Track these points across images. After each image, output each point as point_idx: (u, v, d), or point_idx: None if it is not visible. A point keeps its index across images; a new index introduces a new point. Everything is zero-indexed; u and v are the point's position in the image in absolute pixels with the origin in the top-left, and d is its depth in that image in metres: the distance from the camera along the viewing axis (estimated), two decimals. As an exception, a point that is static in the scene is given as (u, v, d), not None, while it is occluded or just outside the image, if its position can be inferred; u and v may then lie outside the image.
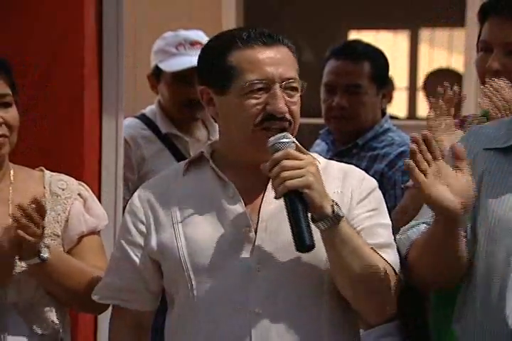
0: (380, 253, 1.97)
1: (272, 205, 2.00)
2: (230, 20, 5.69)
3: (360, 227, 1.99)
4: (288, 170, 1.86)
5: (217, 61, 2.01)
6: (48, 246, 2.20)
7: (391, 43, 6.65)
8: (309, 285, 1.98)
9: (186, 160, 2.10)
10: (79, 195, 2.35)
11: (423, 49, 6.60)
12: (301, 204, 1.87)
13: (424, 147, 1.92)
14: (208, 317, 1.98)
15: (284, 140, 1.92)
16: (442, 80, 4.82)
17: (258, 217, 2.00)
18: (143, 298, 2.11)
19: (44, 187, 2.33)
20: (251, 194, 2.02)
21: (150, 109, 3.38)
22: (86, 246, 2.33)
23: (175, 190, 2.06)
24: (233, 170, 2.03)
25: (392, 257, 1.99)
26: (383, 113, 3.19)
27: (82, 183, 2.40)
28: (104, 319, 2.87)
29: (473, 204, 1.94)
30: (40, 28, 2.87)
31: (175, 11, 5.42)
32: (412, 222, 2.13)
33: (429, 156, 1.91)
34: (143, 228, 2.07)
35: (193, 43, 3.31)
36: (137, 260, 2.07)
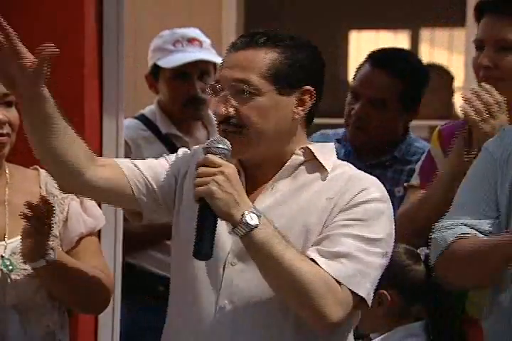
0: (328, 260, 1.92)
1: (265, 203, 2.01)
2: (230, 20, 5.69)
3: (326, 234, 1.96)
4: (198, 177, 1.90)
5: None
6: (53, 248, 2.19)
7: (391, 43, 6.64)
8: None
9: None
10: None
11: (423, 49, 6.59)
12: (210, 212, 1.90)
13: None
14: (183, 302, 2.03)
15: (218, 145, 1.94)
16: (437, 76, 4.84)
17: None
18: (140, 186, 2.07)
19: (40, 187, 2.32)
20: (250, 190, 2.03)
21: (149, 109, 3.37)
22: (85, 247, 2.32)
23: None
24: (249, 167, 2.06)
25: (343, 269, 1.93)
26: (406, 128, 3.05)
27: None
28: (104, 319, 2.87)
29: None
30: (40, 27, 2.86)
31: (175, 11, 5.42)
32: (448, 221, 2.11)
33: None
34: (182, 169, 2.09)
35: (191, 40, 3.30)
36: (160, 168, 2.08)
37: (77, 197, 2.34)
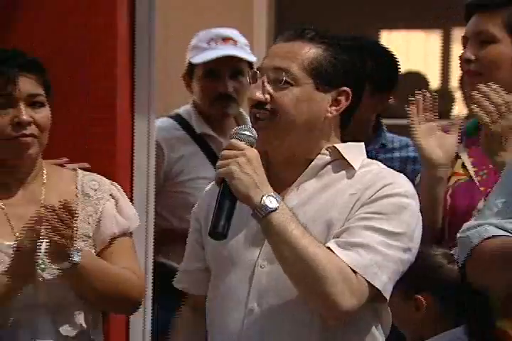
0: (344, 250, 1.92)
1: (292, 202, 2.01)
2: (261, 20, 5.69)
3: (346, 227, 1.96)
4: (221, 160, 1.93)
5: None
6: (78, 250, 2.19)
7: (423, 43, 6.61)
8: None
9: None
10: (111, 195, 2.35)
11: (456, 49, 6.54)
12: (230, 194, 1.91)
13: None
14: (217, 308, 2.05)
15: (245, 133, 1.96)
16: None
17: None
18: (194, 277, 2.15)
19: (76, 188, 2.33)
20: (283, 188, 2.04)
21: (185, 109, 3.37)
22: (117, 247, 2.33)
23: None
24: (274, 165, 2.07)
25: (359, 258, 1.92)
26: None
27: (115, 183, 2.39)
28: (136, 319, 2.89)
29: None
30: (74, 29, 2.89)
31: (206, 11, 5.42)
32: (474, 222, 2.11)
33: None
34: (200, 214, 2.14)
35: (225, 39, 3.29)
36: (193, 239, 2.15)
37: (112, 198, 2.36)
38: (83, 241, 2.28)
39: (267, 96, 1.99)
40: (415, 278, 2.31)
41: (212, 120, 3.32)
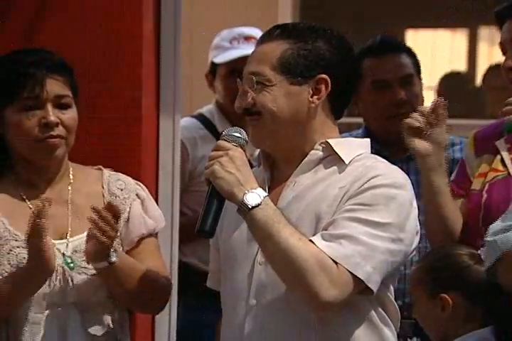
0: (326, 242, 1.93)
1: (289, 197, 2.04)
2: (286, 19, 5.69)
3: (332, 219, 1.98)
4: (208, 161, 1.98)
5: None
6: (115, 250, 2.21)
7: (449, 42, 6.59)
8: None
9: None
10: (137, 195, 2.36)
11: (482, 48, 6.52)
12: (217, 193, 1.97)
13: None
14: (225, 304, 2.11)
15: (235, 134, 2.01)
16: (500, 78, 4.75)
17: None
18: (218, 277, 2.18)
19: (103, 187, 2.35)
20: (281, 183, 2.08)
21: (208, 109, 3.38)
22: (145, 248, 2.34)
23: None
24: (277, 163, 2.12)
25: (342, 249, 1.93)
26: None
27: (140, 183, 2.40)
28: (161, 318, 2.89)
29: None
30: (99, 29, 2.90)
31: (231, 11, 5.43)
32: (502, 224, 2.09)
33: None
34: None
35: (248, 38, 3.29)
36: (213, 241, 2.19)
37: (138, 198, 2.37)
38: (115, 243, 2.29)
39: (251, 101, 2.06)
40: (441, 277, 2.30)
41: (235, 119, 3.31)
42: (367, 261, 1.93)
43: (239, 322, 2.04)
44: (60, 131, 2.27)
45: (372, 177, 1.99)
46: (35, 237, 2.12)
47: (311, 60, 2.04)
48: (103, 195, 2.34)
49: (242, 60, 3.20)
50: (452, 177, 2.61)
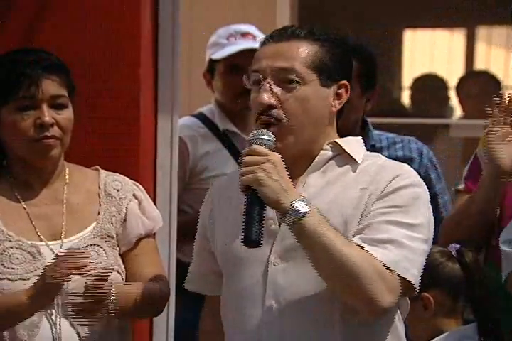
0: (374, 247, 1.92)
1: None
2: (284, 19, 5.69)
3: (367, 222, 1.96)
4: (244, 167, 1.91)
5: None
6: (114, 300, 2.20)
7: (447, 42, 6.59)
8: (324, 282, 1.97)
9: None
10: (133, 195, 2.35)
11: (480, 48, 6.52)
12: (257, 200, 1.90)
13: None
14: (232, 307, 2.05)
15: (263, 136, 1.95)
16: (477, 83, 4.74)
17: None
18: (208, 279, 2.17)
19: (99, 187, 2.34)
20: None
21: (208, 108, 3.37)
22: (143, 249, 2.34)
23: (234, 187, 2.08)
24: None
25: (389, 254, 1.93)
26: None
27: (137, 183, 2.39)
28: (159, 318, 2.89)
29: None
30: (98, 29, 2.89)
31: (230, 11, 5.43)
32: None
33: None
34: (207, 218, 2.14)
35: (244, 34, 3.28)
36: (202, 243, 2.16)
37: (135, 198, 2.36)
38: (106, 241, 2.29)
39: (275, 99, 1.99)
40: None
41: (235, 117, 3.31)
42: (412, 265, 1.95)
43: (254, 325, 2.00)
44: (55, 131, 2.26)
45: (394, 178, 1.99)
46: (52, 282, 2.12)
47: (336, 65, 2.03)
48: (99, 196, 2.33)
49: (241, 55, 3.22)
50: (465, 174, 2.61)
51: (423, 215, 1.99)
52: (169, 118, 2.97)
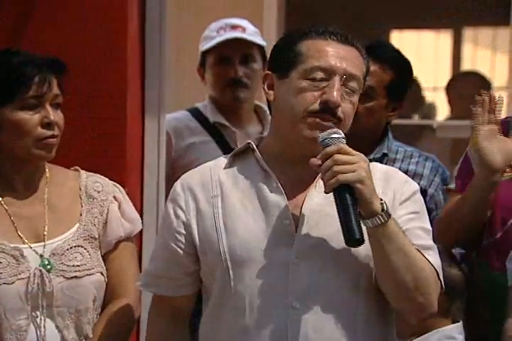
0: (425, 253, 1.98)
1: (314, 200, 2.00)
2: (271, 19, 5.69)
3: (405, 227, 1.99)
4: (340, 165, 1.87)
5: (287, 47, 2.02)
6: None
7: (434, 43, 6.61)
8: (346, 281, 1.98)
9: (232, 152, 2.10)
10: (114, 197, 2.34)
11: (466, 49, 6.54)
12: (351, 199, 1.87)
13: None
14: (246, 310, 1.99)
15: (335, 135, 1.93)
16: (467, 84, 4.75)
17: (300, 211, 1.99)
18: (179, 283, 2.11)
19: (80, 188, 2.33)
20: (295, 188, 2.02)
21: (202, 104, 3.37)
22: (122, 251, 2.33)
23: (218, 181, 2.06)
24: (279, 163, 2.03)
25: (435, 260, 2.00)
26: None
27: (117, 185, 2.37)
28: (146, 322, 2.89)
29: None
30: (85, 29, 2.89)
31: (217, 11, 5.43)
32: None
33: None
34: (183, 216, 2.07)
35: (234, 26, 3.27)
36: (175, 247, 2.07)
37: (116, 200, 2.35)
38: (89, 242, 2.28)
39: (340, 99, 1.98)
40: None
41: (226, 110, 3.29)
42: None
43: (277, 324, 1.96)
44: (56, 130, 2.25)
45: (405, 184, 2.05)
46: None
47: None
48: (80, 197, 2.32)
49: (230, 46, 3.21)
50: (456, 173, 2.62)
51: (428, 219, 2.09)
52: (156, 118, 2.97)
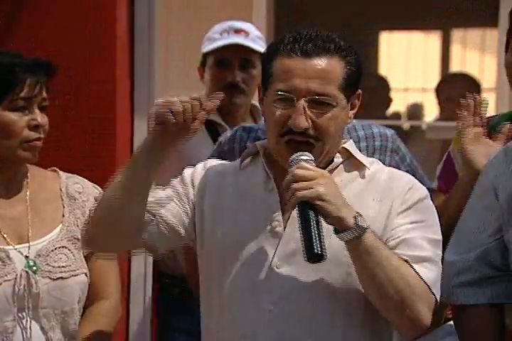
0: (416, 266, 1.92)
1: None
2: (260, 20, 5.70)
3: (401, 238, 1.95)
4: (299, 182, 1.85)
5: (264, 66, 2.00)
6: None
7: (422, 44, 6.63)
8: (324, 288, 1.96)
9: (242, 154, 2.11)
10: (95, 198, 2.30)
11: (455, 50, 6.56)
12: (314, 215, 1.84)
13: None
14: (230, 307, 2.00)
15: (303, 157, 1.91)
16: (457, 85, 4.75)
17: (290, 215, 1.98)
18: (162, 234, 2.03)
19: (60, 189, 2.31)
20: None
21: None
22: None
23: (230, 180, 2.07)
24: (278, 167, 2.03)
25: (429, 273, 1.93)
26: None
27: (96, 186, 2.36)
28: (136, 321, 2.88)
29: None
30: (73, 29, 2.89)
31: (207, 12, 5.43)
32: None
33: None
34: (191, 190, 2.06)
35: (237, 30, 3.26)
36: (178, 189, 2.05)
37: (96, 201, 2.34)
38: (73, 243, 2.27)
39: (310, 122, 1.93)
40: None
41: (222, 110, 3.28)
42: (439, 283, 1.96)
43: (252, 326, 1.96)
44: (42, 133, 2.24)
45: (408, 191, 1.99)
46: None
47: (356, 77, 1.98)
48: (61, 198, 2.30)
49: (231, 50, 3.20)
50: (438, 173, 2.62)
51: (439, 229, 2.00)
52: (145, 119, 2.96)
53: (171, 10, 5.17)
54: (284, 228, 1.98)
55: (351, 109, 2.01)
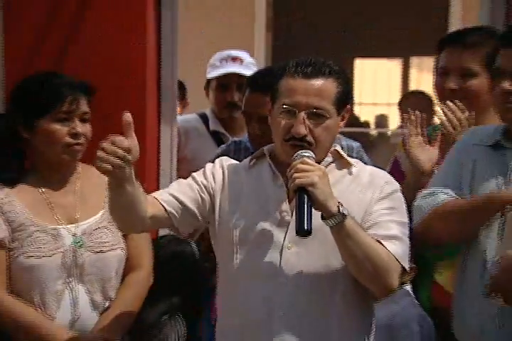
0: (387, 242, 1.96)
1: None
2: (260, 41, 5.69)
3: (377, 220, 1.99)
4: (299, 172, 1.90)
5: (276, 81, 2.04)
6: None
7: (387, 69, 6.65)
8: (327, 266, 1.99)
9: (250, 157, 2.12)
10: None
11: (413, 74, 6.59)
12: (307, 199, 1.88)
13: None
14: (243, 285, 2.00)
15: (305, 154, 1.96)
16: (415, 101, 4.78)
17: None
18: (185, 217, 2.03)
19: (104, 182, 2.35)
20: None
21: (209, 110, 3.43)
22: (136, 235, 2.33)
23: (243, 176, 2.08)
24: (282, 167, 2.05)
25: (397, 249, 1.97)
26: None
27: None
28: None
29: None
30: (107, 52, 2.86)
31: (214, 34, 5.42)
32: (426, 191, 2.17)
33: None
34: (211, 182, 2.07)
35: (234, 58, 3.34)
36: (197, 187, 2.05)
37: None
38: (112, 224, 2.27)
39: (308, 130, 1.98)
40: None
41: (224, 121, 3.37)
42: (407, 256, 2.00)
43: (268, 295, 1.96)
44: (82, 140, 2.31)
45: (385, 184, 2.03)
46: None
47: (346, 94, 2.03)
48: (106, 189, 2.34)
49: (229, 76, 3.30)
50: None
51: (405, 214, 2.05)
52: (169, 128, 2.96)
53: (184, 35, 5.17)
54: (292, 216, 1.99)
55: (341, 120, 2.05)
